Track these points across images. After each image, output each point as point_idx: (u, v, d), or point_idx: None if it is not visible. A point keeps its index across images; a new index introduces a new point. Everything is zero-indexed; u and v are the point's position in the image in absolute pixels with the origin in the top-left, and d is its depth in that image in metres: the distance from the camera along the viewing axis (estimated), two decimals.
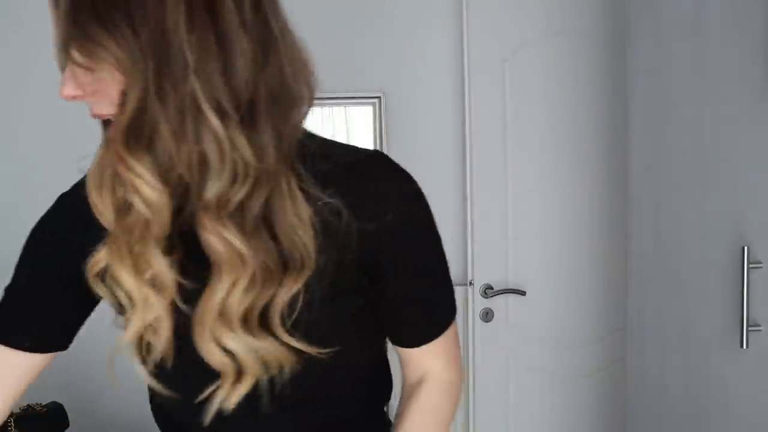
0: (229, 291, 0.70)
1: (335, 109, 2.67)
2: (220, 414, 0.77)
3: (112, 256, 0.72)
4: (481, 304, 2.23)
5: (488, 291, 2.23)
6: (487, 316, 2.24)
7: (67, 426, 1.96)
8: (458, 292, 2.35)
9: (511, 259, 2.24)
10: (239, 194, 0.69)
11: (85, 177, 0.75)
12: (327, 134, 0.84)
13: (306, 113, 0.76)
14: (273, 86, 0.71)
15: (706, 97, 1.54)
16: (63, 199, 0.88)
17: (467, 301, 2.25)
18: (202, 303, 0.71)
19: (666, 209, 1.75)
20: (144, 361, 0.78)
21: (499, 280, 2.24)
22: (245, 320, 0.72)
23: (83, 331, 2.28)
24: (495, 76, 2.18)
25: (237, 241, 0.69)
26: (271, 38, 0.71)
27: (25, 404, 1.92)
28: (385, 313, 0.85)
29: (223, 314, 0.71)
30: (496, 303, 2.24)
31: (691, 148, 1.61)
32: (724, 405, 1.49)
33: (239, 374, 0.74)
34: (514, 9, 2.17)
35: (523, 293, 2.23)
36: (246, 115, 0.69)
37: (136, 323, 0.74)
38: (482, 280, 2.22)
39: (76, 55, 0.66)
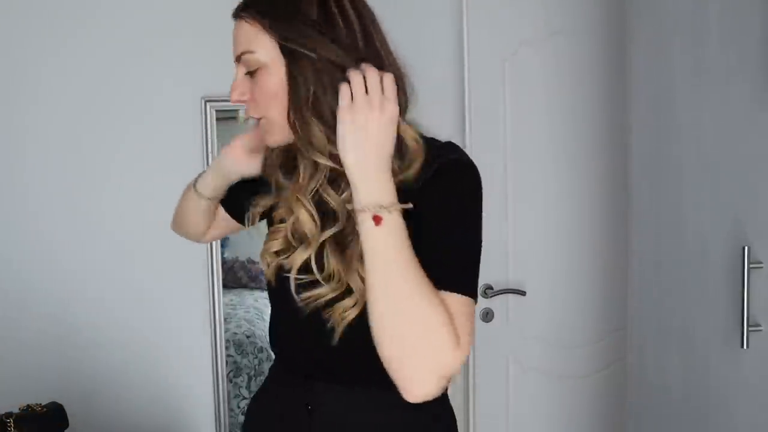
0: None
1: None
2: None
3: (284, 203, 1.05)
4: (481, 304, 2.23)
5: (488, 291, 2.23)
6: (487, 316, 2.24)
7: (67, 426, 1.96)
8: None
9: (511, 259, 2.24)
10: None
11: None
12: None
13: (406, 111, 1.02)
14: None
15: (706, 96, 1.54)
16: None
17: None
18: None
19: (666, 209, 1.75)
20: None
21: (499, 280, 2.24)
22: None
23: (84, 333, 2.28)
24: (495, 75, 2.18)
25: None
26: (382, 62, 0.98)
27: (25, 404, 1.92)
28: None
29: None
30: (496, 303, 2.24)
31: (690, 147, 1.61)
32: (724, 405, 1.49)
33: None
34: (514, 9, 2.17)
35: (523, 293, 2.23)
36: None
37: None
38: (482, 280, 2.21)
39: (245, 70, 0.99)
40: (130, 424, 2.25)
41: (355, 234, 0.95)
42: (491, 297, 2.23)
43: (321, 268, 0.99)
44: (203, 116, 2.21)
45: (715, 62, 1.50)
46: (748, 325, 1.35)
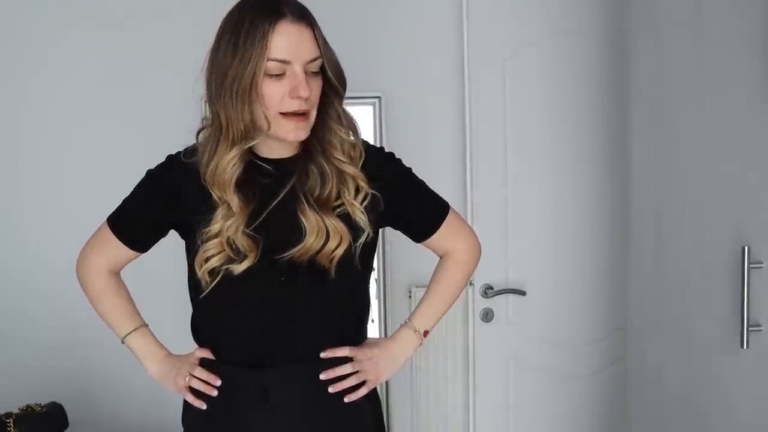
0: None
1: None
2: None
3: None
4: (481, 304, 2.23)
5: (488, 291, 2.22)
6: (487, 316, 2.24)
7: (67, 426, 1.96)
8: None
9: (511, 259, 2.24)
10: None
11: (183, 150, 1.28)
12: None
13: None
14: None
15: (706, 97, 1.54)
16: (175, 159, 1.28)
17: (467, 301, 2.25)
18: None
19: (666, 209, 1.75)
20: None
21: (499, 280, 2.24)
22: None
23: (84, 333, 2.27)
24: (495, 76, 2.18)
25: None
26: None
27: (25, 404, 1.92)
28: (404, 223, 1.28)
29: None
30: (496, 303, 2.24)
31: (691, 148, 1.61)
32: (724, 405, 1.50)
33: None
34: (514, 9, 2.17)
35: (523, 293, 2.23)
36: None
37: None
38: (482, 280, 2.22)
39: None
40: (130, 424, 2.25)
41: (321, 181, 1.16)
42: (491, 297, 2.23)
43: (300, 228, 1.13)
44: (203, 116, 2.21)
45: (715, 62, 1.50)
46: (748, 325, 1.35)
